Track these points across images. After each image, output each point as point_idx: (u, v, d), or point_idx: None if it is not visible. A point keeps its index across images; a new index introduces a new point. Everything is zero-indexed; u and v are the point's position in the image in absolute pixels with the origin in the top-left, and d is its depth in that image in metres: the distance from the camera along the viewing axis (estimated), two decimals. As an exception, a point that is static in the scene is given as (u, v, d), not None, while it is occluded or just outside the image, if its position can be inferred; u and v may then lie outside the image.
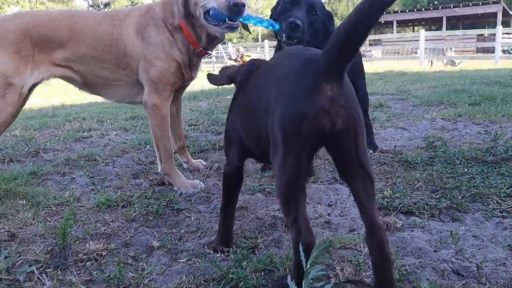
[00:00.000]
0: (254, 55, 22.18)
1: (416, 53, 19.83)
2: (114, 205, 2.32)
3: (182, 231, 2.02)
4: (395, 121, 4.46)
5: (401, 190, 2.30)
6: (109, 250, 1.80)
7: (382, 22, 36.41)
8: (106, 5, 48.06)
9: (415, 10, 35.44)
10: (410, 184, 2.45)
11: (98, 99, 9.04)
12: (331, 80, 1.19)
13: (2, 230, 2.03)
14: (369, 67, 16.84)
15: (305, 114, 1.18)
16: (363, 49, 18.08)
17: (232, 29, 2.36)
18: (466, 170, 2.63)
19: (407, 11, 34.99)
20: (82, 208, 2.33)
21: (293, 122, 1.20)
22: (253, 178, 2.73)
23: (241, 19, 2.35)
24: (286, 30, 2.37)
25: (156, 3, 2.62)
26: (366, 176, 1.27)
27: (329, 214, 2.12)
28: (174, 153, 2.98)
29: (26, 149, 3.79)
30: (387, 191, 2.29)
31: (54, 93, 9.60)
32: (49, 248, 1.81)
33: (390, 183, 2.51)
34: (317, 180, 2.62)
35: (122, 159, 3.40)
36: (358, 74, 3.31)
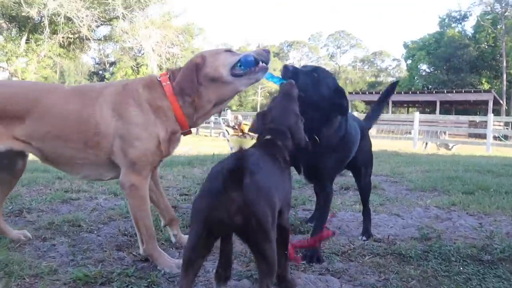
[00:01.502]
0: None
1: (410, 133, 20.20)
2: (92, 282, 2.19)
3: (161, 318, 1.89)
4: (389, 206, 4.41)
5: (395, 288, 2.20)
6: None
7: (378, 101, 37.46)
8: (112, 64, 49.45)
9: (410, 92, 36.71)
10: (404, 281, 2.35)
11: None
12: (234, 186, 1.52)
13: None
14: (363, 144, 17.04)
15: (205, 209, 1.60)
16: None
17: (265, 71, 2.45)
18: (462, 269, 2.54)
19: (402, 93, 36.21)
20: (57, 282, 2.19)
21: (196, 213, 1.66)
22: (240, 261, 2.61)
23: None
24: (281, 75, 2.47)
25: (134, 82, 2.53)
26: (263, 259, 1.66)
27: (318, 310, 2.01)
28: (165, 226, 2.90)
29: (10, 207, 3.69)
30: (380, 288, 2.19)
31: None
32: (16, 330, 1.68)
33: (382, 278, 2.41)
34: (308, 269, 2.51)
35: (107, 227, 3.29)
36: (365, 161, 3.33)
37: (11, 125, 2.38)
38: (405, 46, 56.42)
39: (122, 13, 34.39)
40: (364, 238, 3.18)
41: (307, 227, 3.41)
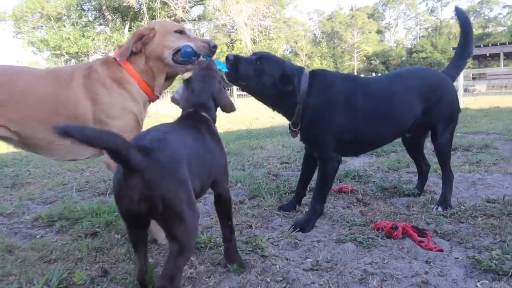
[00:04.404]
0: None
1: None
2: (202, 247, 2.33)
3: (268, 279, 1.96)
4: (503, 166, 4.07)
5: (512, 250, 2.05)
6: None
7: (488, 55, 34.29)
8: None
9: (525, 41, 32.91)
10: (523, 243, 2.18)
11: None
12: (135, 173, 1.42)
13: (96, 266, 2.13)
14: (471, 102, 15.81)
15: (116, 201, 1.54)
16: (465, 83, 17.04)
17: (203, 64, 2.42)
18: None
19: (516, 42, 32.60)
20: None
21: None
22: (342, 225, 2.60)
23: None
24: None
25: (95, 63, 2.52)
26: (176, 241, 1.52)
27: (426, 273, 1.94)
28: None
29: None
30: (495, 250, 2.05)
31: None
32: (139, 289, 1.85)
33: (498, 240, 2.25)
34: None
35: (213, 196, 3.45)
36: (443, 117, 2.89)
37: None
38: (518, -10, 50.58)
39: (213, -10, 35.14)
40: (439, 209, 2.83)
41: (410, 189, 3.28)
